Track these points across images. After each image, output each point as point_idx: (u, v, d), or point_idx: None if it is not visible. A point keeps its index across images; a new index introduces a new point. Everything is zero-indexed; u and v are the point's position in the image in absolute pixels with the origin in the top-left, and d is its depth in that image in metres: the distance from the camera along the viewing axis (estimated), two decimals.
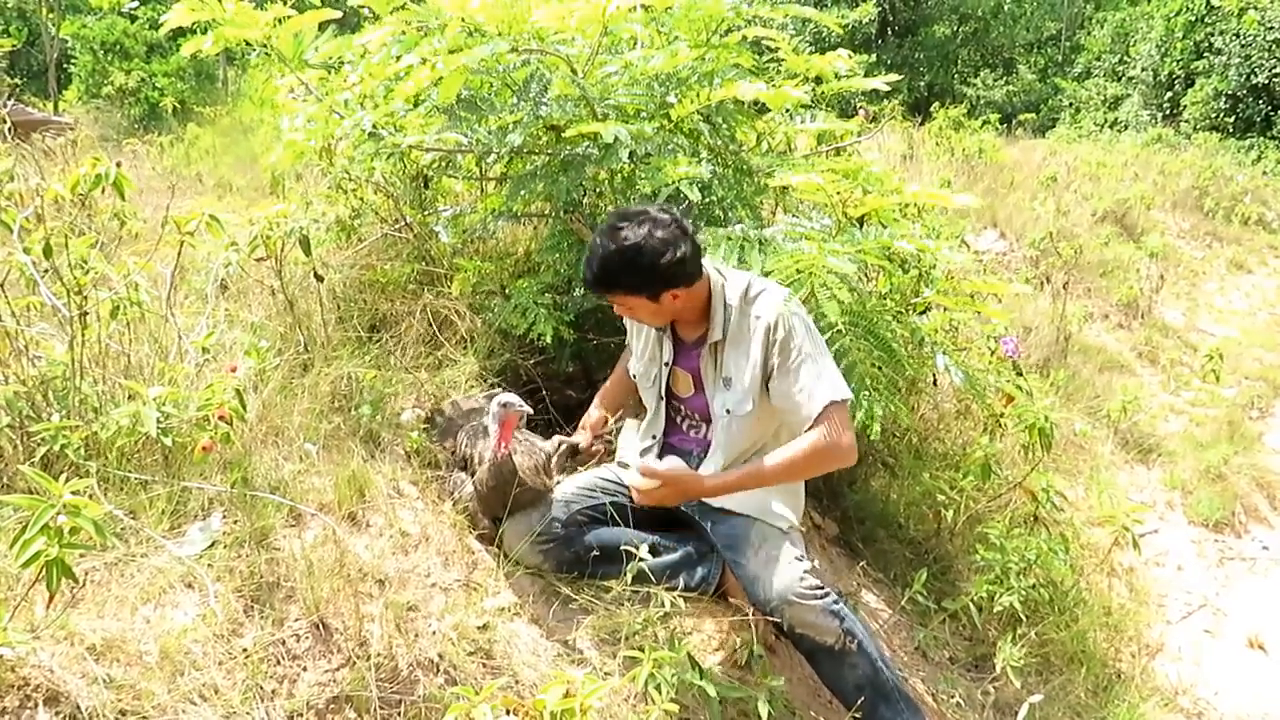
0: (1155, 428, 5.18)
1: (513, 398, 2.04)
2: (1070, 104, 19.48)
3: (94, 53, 12.46)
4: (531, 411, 2.09)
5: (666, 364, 2.21)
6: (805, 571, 1.98)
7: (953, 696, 2.41)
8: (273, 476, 2.00)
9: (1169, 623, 3.55)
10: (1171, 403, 5.65)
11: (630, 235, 1.95)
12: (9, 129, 3.10)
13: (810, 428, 1.96)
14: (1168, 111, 16.58)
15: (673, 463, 2.03)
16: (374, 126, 2.56)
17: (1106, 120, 17.87)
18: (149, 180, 4.89)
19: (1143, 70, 17.25)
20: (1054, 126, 18.34)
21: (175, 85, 12.19)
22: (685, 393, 2.22)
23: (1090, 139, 15.92)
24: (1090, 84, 19.23)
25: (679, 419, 2.28)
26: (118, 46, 12.57)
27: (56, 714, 1.37)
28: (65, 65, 13.15)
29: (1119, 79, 18.56)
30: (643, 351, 2.28)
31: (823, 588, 1.98)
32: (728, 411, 2.09)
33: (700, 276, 2.04)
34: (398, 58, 2.41)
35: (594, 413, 2.41)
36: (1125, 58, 18.39)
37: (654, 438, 2.27)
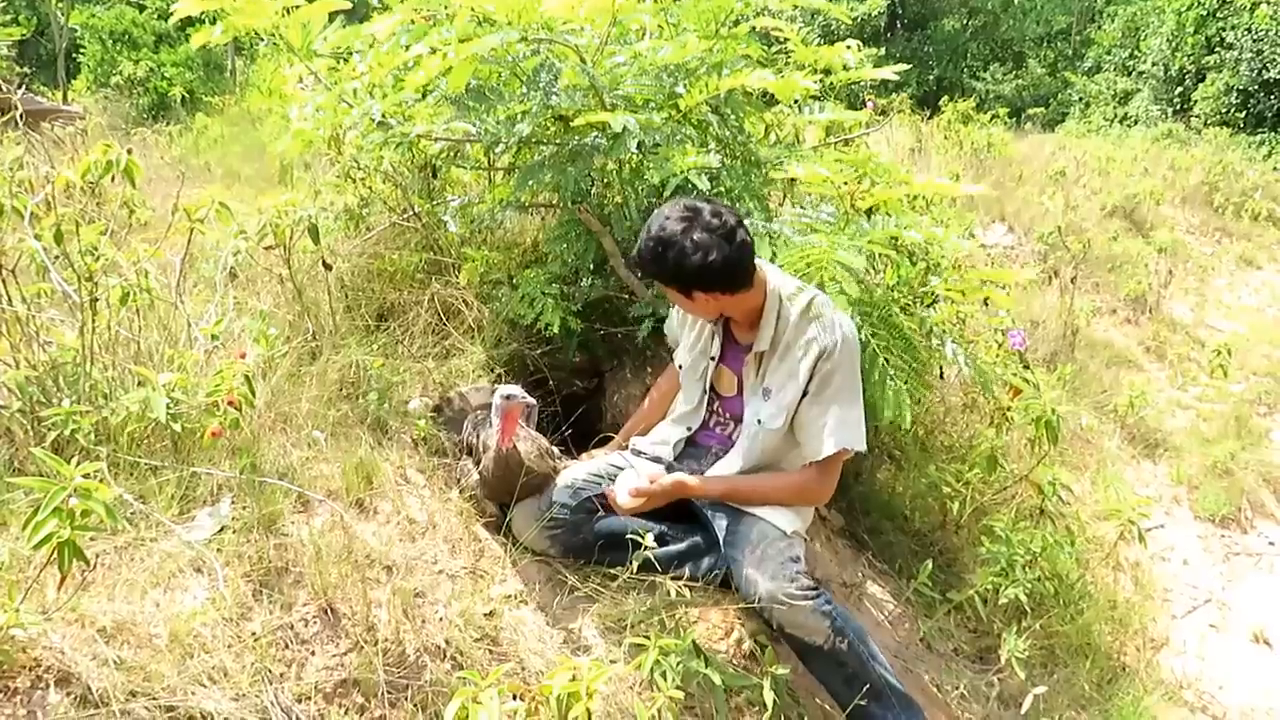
0: (1162, 423, 5.17)
1: (516, 390, 2.03)
2: (1080, 98, 19.33)
3: (103, 42, 12.48)
4: (534, 403, 2.09)
5: (713, 358, 2.19)
6: (798, 572, 1.96)
7: (957, 688, 2.41)
8: (281, 463, 2.01)
9: (1174, 617, 3.55)
10: (1179, 398, 5.63)
11: (668, 228, 1.90)
12: (19, 117, 3.11)
13: (808, 464, 2.02)
14: (1178, 106, 16.43)
15: (651, 468, 2.10)
16: (383, 116, 2.57)
17: (1116, 115, 17.72)
18: (158, 169, 4.92)
19: (1153, 65, 17.10)
20: (1063, 121, 18.19)
21: (184, 75, 12.20)
22: (727, 392, 2.20)
23: (1100, 134, 15.80)
24: (1100, 78, 19.07)
25: (712, 415, 2.27)
26: (126, 36, 12.59)
27: (67, 695, 1.38)
28: (74, 55, 13.17)
29: (1129, 73, 18.40)
30: (693, 343, 2.24)
31: (814, 588, 1.95)
32: (759, 422, 2.07)
33: (747, 286, 1.98)
34: (407, 47, 2.41)
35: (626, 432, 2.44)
36: (1136, 52, 18.24)
37: (689, 429, 2.26)
